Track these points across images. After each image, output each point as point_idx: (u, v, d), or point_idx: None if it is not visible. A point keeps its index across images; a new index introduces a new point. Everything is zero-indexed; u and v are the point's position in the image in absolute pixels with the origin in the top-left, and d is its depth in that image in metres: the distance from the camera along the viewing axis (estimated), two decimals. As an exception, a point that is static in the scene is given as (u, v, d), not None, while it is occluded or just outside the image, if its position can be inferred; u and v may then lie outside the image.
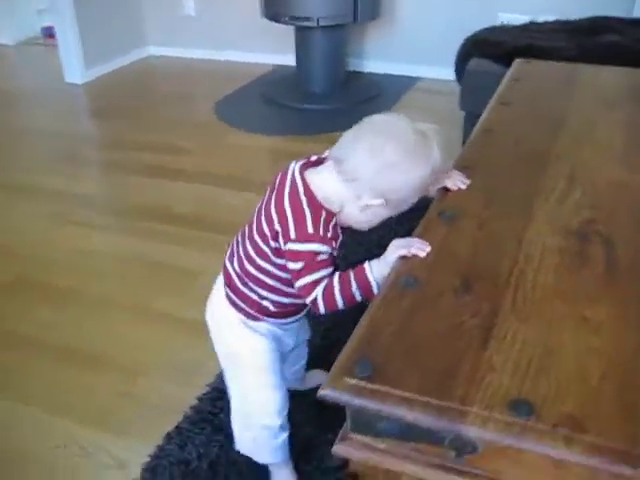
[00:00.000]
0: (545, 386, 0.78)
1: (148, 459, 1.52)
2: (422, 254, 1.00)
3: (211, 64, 4.56)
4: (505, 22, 3.44)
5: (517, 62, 1.98)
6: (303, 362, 1.59)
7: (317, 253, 1.07)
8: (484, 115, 1.57)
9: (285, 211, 1.10)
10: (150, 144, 3.36)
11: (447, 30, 3.82)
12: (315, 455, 1.49)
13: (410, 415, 0.77)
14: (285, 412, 1.34)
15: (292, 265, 1.09)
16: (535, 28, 2.85)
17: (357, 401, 0.79)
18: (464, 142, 2.44)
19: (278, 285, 1.20)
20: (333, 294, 1.06)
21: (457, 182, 1.21)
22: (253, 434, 1.36)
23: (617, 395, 0.76)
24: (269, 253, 1.16)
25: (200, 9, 4.59)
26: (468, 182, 1.22)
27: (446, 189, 1.21)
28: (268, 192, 1.17)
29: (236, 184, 2.89)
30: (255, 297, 1.23)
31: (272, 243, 1.14)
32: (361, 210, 1.11)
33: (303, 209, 1.09)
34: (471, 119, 2.45)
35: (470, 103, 2.53)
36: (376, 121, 1.12)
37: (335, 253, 1.12)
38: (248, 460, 1.45)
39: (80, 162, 3.32)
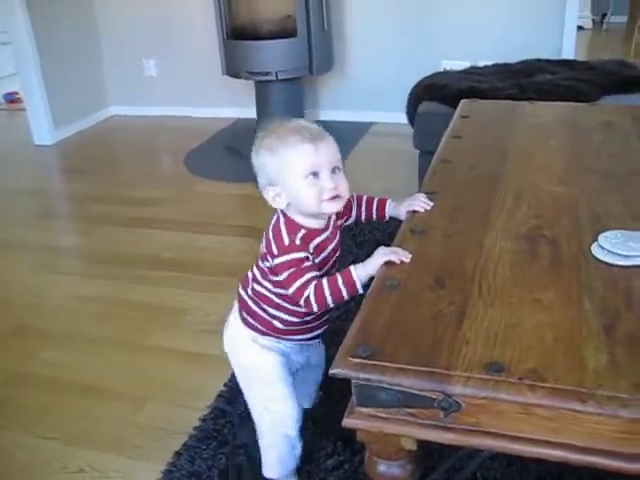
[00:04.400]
0: (511, 350, 0.97)
1: (161, 475, 1.67)
2: (406, 260, 1.21)
3: (175, 120, 4.76)
4: (448, 68, 3.75)
5: (464, 102, 2.23)
6: (315, 387, 1.73)
7: (299, 260, 1.27)
8: (440, 148, 1.80)
9: (269, 234, 1.34)
10: (125, 197, 3.53)
11: (395, 78, 4.12)
12: (313, 457, 1.66)
13: (406, 382, 0.96)
14: (300, 422, 1.50)
15: (282, 276, 1.29)
16: (476, 72, 3.09)
17: (362, 375, 0.98)
18: (420, 176, 2.69)
19: (282, 303, 1.39)
20: (323, 292, 1.24)
21: (422, 204, 1.43)
22: (273, 443, 1.51)
23: (567, 352, 0.96)
24: (267, 272, 1.37)
25: (161, 70, 4.82)
26: (432, 204, 1.44)
27: (414, 211, 1.43)
28: None
29: (210, 228, 3.07)
30: (266, 316, 1.42)
31: (267, 264, 1.35)
32: (274, 200, 1.32)
33: (280, 228, 1.32)
34: (425, 156, 2.67)
35: (423, 141, 2.74)
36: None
37: (313, 259, 1.31)
38: (253, 466, 1.61)
39: (59, 217, 3.49)
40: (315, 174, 1.28)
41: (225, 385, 1.94)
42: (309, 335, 1.48)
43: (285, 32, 3.91)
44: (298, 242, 1.29)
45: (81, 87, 4.70)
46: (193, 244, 2.95)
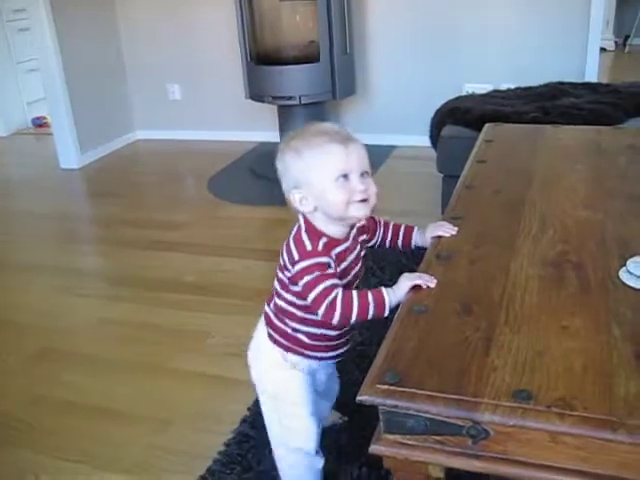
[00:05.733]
0: (539, 378, 0.97)
1: (186, 499, 1.67)
2: (432, 285, 1.21)
3: (198, 144, 4.83)
4: (470, 91, 3.76)
5: (488, 126, 2.23)
6: (329, 404, 1.72)
7: (321, 265, 1.26)
8: (464, 172, 1.80)
9: (289, 243, 1.32)
10: (149, 221, 3.57)
11: (418, 101, 4.14)
12: (338, 481, 1.66)
13: (434, 409, 0.96)
14: (319, 438, 1.50)
15: (302, 282, 1.26)
16: (499, 95, 3.11)
17: (389, 401, 0.98)
18: (443, 200, 2.69)
19: (306, 315, 1.37)
20: (351, 303, 1.22)
21: (448, 230, 1.43)
22: (294, 463, 1.51)
23: (595, 381, 0.95)
24: (287, 283, 1.35)
25: (185, 94, 4.89)
26: (456, 229, 1.44)
27: (439, 237, 1.43)
28: None
29: (234, 252, 3.09)
30: (290, 331, 1.40)
31: (287, 273, 1.33)
32: (301, 203, 1.29)
33: (301, 236, 1.30)
34: (448, 179, 2.68)
35: (447, 165, 2.75)
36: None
37: (334, 267, 1.28)
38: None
39: (84, 240, 3.54)
40: (345, 176, 1.26)
41: (249, 409, 1.94)
42: (333, 353, 1.46)
43: (308, 57, 3.96)
44: (321, 248, 1.27)
45: (107, 112, 4.79)
46: (216, 268, 2.97)
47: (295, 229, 1.34)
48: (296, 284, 1.30)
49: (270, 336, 1.45)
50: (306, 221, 1.33)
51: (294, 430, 1.48)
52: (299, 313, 1.38)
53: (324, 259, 1.27)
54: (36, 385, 2.22)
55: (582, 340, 1.05)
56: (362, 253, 1.42)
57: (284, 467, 1.55)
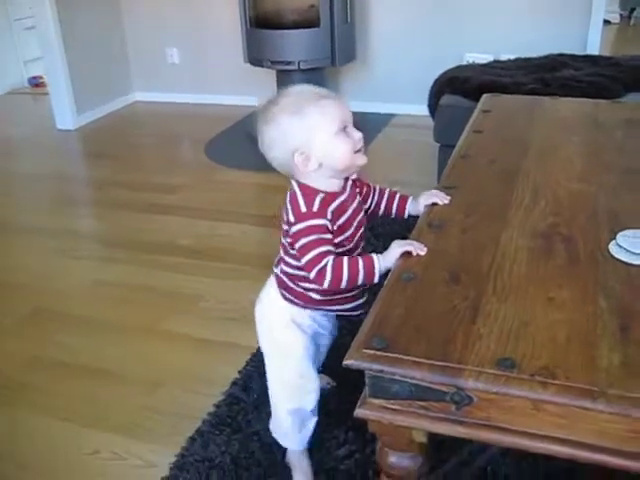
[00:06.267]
0: (523, 347, 0.98)
1: (175, 459, 1.69)
2: (422, 253, 1.21)
3: (196, 108, 4.80)
4: (471, 61, 3.73)
5: (486, 96, 2.22)
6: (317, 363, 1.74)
7: (316, 227, 1.27)
8: (460, 142, 1.80)
9: (286, 205, 1.32)
10: (145, 184, 3.56)
11: (418, 70, 4.11)
12: (324, 445, 1.68)
13: (419, 374, 0.97)
14: (317, 397, 1.53)
15: (297, 244, 1.28)
16: (499, 66, 3.09)
17: (376, 366, 0.99)
18: (439, 169, 2.69)
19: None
20: (341, 269, 1.24)
21: (441, 198, 1.43)
22: (289, 417, 1.53)
23: (578, 351, 0.96)
24: (289, 249, 1.36)
25: (184, 57, 4.85)
26: (449, 198, 1.44)
27: (433, 204, 1.43)
28: None
29: (230, 217, 3.09)
30: (302, 290, 1.42)
31: (288, 239, 1.34)
32: (304, 165, 1.29)
33: (297, 197, 1.31)
34: (445, 149, 2.68)
35: (443, 135, 2.75)
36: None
37: (332, 226, 1.30)
38: (267, 452, 1.63)
39: (79, 202, 3.53)
40: (344, 128, 1.29)
41: (239, 372, 1.97)
42: (350, 305, 1.47)
43: (308, 22, 3.91)
44: (316, 208, 1.28)
45: (104, 73, 4.74)
46: (212, 232, 2.97)
47: (290, 191, 1.34)
48: (293, 247, 1.32)
49: (283, 295, 1.46)
50: (298, 183, 1.33)
51: (295, 386, 1.51)
52: (304, 273, 1.38)
53: (320, 221, 1.28)
54: (30, 345, 2.24)
55: (568, 311, 1.06)
56: (362, 205, 1.43)
57: (276, 423, 1.59)
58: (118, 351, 2.17)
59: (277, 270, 1.48)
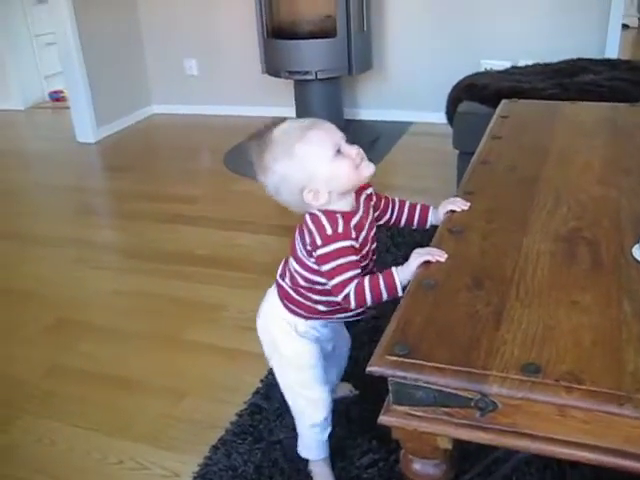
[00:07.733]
0: (548, 352, 0.97)
1: (198, 468, 1.70)
2: (442, 260, 1.21)
3: (215, 119, 4.83)
4: (488, 68, 3.72)
5: (504, 102, 2.21)
6: (339, 370, 1.74)
7: (344, 249, 1.28)
8: (479, 148, 1.79)
9: (309, 227, 1.32)
10: (164, 195, 3.59)
11: (435, 77, 4.11)
12: (348, 453, 1.68)
13: (443, 381, 0.96)
14: (330, 406, 1.53)
15: (324, 267, 1.30)
16: (517, 71, 3.07)
17: (399, 373, 0.98)
18: (458, 177, 2.68)
19: (327, 287, 1.38)
20: (364, 292, 1.26)
21: (460, 205, 1.43)
22: (305, 431, 1.55)
23: (604, 355, 0.96)
24: (309, 265, 1.37)
25: (202, 69, 4.88)
26: (469, 204, 1.44)
27: (452, 211, 1.43)
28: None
29: (249, 227, 3.11)
30: (310, 303, 1.43)
31: (311, 259, 1.35)
32: (315, 199, 1.30)
33: (320, 219, 1.31)
34: (464, 156, 2.67)
35: (462, 142, 2.73)
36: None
37: (357, 245, 1.32)
38: (289, 461, 1.63)
39: (99, 213, 3.57)
40: (338, 150, 1.30)
41: (261, 381, 1.97)
42: (352, 312, 1.46)
43: (325, 32, 3.93)
44: (341, 229, 1.29)
45: (124, 86, 4.80)
46: (230, 242, 2.99)
47: (311, 216, 1.33)
48: (320, 266, 1.32)
49: (286, 306, 1.47)
50: (319, 209, 1.34)
51: (306, 397, 1.51)
52: (320, 287, 1.40)
53: (346, 242, 1.29)
54: (53, 355, 2.26)
55: (592, 315, 1.05)
56: (374, 221, 1.44)
57: (299, 427, 1.60)
58: (141, 360, 2.18)
59: (282, 281, 1.48)
